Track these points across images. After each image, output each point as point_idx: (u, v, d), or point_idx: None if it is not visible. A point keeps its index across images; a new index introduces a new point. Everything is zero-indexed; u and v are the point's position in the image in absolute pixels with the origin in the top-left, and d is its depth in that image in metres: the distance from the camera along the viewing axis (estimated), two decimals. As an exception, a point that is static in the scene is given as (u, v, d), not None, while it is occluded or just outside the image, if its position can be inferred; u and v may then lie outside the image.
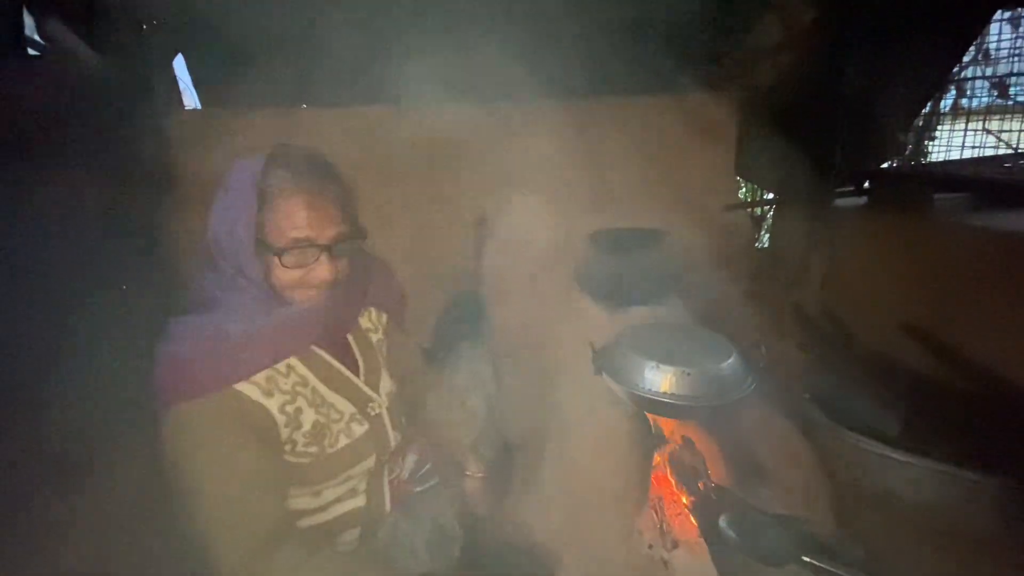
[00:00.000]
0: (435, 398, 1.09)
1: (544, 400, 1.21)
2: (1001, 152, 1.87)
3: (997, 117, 1.93)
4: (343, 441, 0.89)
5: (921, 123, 2.04)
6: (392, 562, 0.91)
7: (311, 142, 0.90)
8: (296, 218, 0.81)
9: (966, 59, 1.78)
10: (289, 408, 0.84)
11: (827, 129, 1.71)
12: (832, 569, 0.71)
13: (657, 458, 1.12)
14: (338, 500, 0.90)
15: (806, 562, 0.71)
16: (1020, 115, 1.85)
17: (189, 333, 0.82)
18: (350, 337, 0.98)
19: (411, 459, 0.99)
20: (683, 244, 1.52)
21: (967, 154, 1.91)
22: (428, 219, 1.78)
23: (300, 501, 0.87)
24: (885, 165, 1.93)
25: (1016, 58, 1.75)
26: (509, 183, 1.73)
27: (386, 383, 0.99)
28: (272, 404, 0.83)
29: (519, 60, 1.59)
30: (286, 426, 0.83)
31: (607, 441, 1.03)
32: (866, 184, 1.91)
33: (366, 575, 0.86)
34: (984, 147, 1.92)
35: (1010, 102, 1.91)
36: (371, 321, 1.05)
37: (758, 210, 2.46)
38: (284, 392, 0.84)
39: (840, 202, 1.88)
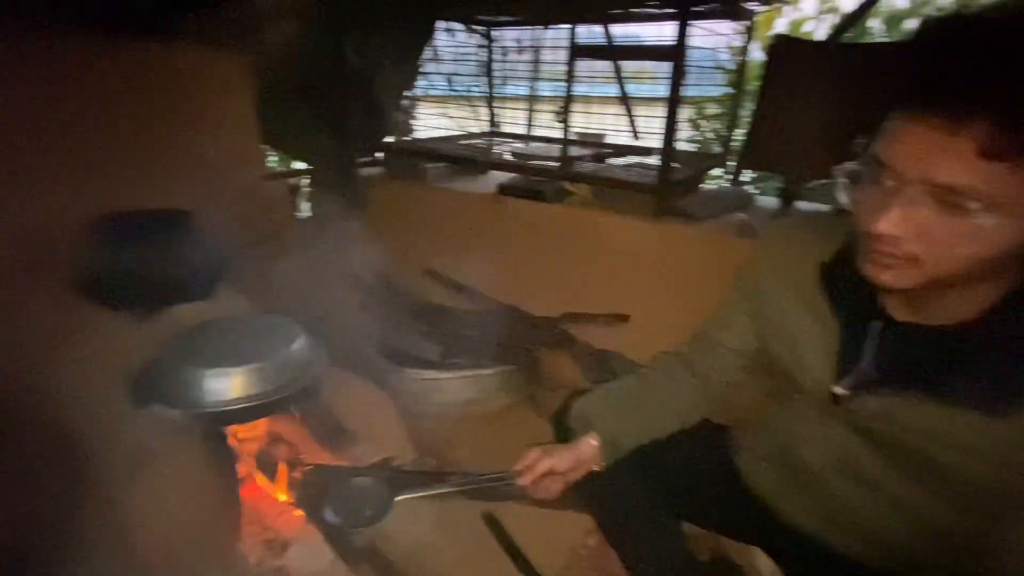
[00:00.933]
0: None
1: (64, 469, 0.86)
2: (455, 132, 2.52)
3: (452, 104, 2.57)
4: None
5: (408, 105, 2.49)
6: None
7: None
8: None
9: (428, 56, 2.25)
10: None
11: (342, 104, 1.85)
12: (420, 494, 0.81)
13: (244, 468, 1.01)
14: None
15: (400, 501, 0.79)
16: (465, 104, 2.53)
17: None
18: None
19: None
20: (218, 223, 1.34)
21: (439, 133, 2.48)
22: None
23: None
24: (391, 139, 2.28)
25: (456, 60, 2.36)
26: None
27: None
28: None
29: None
30: None
31: (174, 485, 0.84)
32: (379, 155, 2.25)
33: None
34: (449, 129, 2.54)
35: (456, 93, 2.57)
36: None
37: (293, 180, 2.44)
38: None
39: (367, 171, 2.20)
